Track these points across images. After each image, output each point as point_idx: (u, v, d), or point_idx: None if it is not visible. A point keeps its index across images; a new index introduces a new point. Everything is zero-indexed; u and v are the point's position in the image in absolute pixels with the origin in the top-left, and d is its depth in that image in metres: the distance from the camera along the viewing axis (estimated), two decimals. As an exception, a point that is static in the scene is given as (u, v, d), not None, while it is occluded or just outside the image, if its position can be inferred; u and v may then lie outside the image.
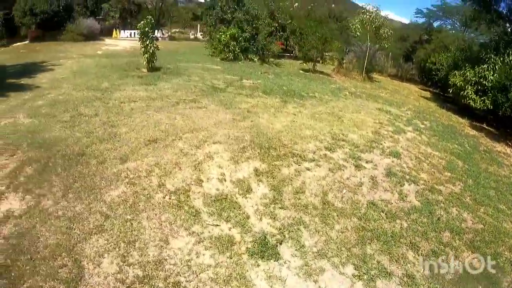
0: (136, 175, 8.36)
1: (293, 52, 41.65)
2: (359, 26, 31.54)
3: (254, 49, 31.01)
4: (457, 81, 23.28)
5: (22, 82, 17.07)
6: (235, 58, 28.87)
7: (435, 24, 47.02)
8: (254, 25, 31.85)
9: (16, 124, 10.93)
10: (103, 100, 13.32)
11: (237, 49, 29.13)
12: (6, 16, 40.44)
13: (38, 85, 16.17)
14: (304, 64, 30.30)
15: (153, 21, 20.00)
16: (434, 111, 22.32)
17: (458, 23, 46.83)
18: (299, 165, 9.98)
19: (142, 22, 19.70)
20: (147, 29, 19.39)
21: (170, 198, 7.82)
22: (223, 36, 29.47)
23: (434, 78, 35.12)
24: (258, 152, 10.10)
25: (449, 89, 25.42)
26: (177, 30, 65.07)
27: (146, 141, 9.85)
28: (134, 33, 48.14)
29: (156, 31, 48.07)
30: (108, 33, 50.06)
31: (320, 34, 29.67)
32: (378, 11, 31.24)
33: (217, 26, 37.10)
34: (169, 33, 54.48)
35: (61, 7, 41.36)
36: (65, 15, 42.19)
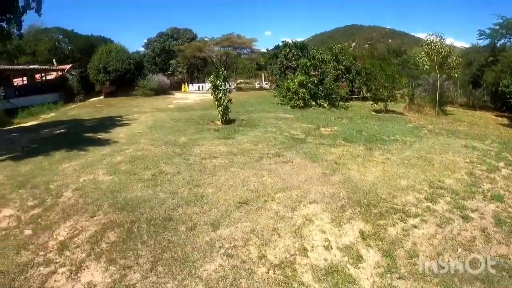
0: (232, 245, 7.19)
1: (360, 93, 40.21)
2: (426, 59, 29.79)
3: (322, 94, 29.95)
4: None
5: (99, 136, 16.95)
6: (305, 105, 27.91)
7: (499, 43, 42.96)
8: (321, 69, 30.85)
9: (95, 181, 10.32)
10: (183, 156, 12.63)
11: (306, 95, 28.19)
12: (82, 74, 42.19)
13: (115, 139, 15.92)
14: (375, 104, 28.89)
15: (224, 73, 19.50)
16: None
17: None
18: (405, 223, 8.50)
19: (212, 75, 19.32)
20: (218, 82, 18.92)
21: (275, 273, 6.52)
22: (291, 83, 28.71)
23: (509, 102, 32.17)
24: (359, 211, 8.75)
25: None
26: (242, 80, 65.83)
27: (237, 203, 8.76)
28: (202, 86, 49.19)
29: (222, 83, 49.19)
30: (177, 87, 51.16)
31: (389, 71, 28.31)
32: (442, 40, 29.45)
33: (283, 74, 36.62)
34: (235, 84, 54.89)
35: (132, 65, 42.81)
36: (136, 72, 43.91)
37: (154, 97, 40.81)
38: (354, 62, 37.42)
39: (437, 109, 28.99)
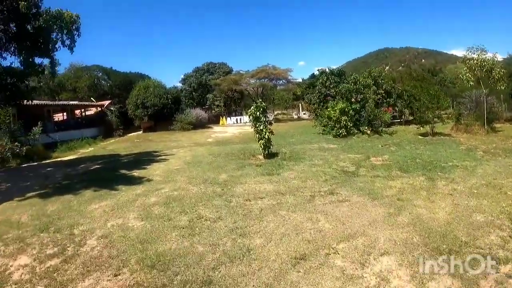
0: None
1: (402, 117, 37.97)
2: (469, 75, 27.35)
3: (365, 120, 28.01)
4: None
5: (134, 173, 15.79)
6: (348, 133, 26.08)
7: None
8: (362, 94, 28.96)
9: (125, 227, 8.83)
10: (224, 197, 10.93)
11: (348, 123, 26.34)
12: (121, 109, 41.88)
13: (151, 177, 14.60)
14: (421, 128, 26.43)
15: (263, 104, 17.92)
16: None
17: None
18: (497, 272, 6.50)
19: (252, 106, 17.85)
20: (258, 113, 17.44)
21: None
22: (332, 112, 26.96)
23: None
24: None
25: None
26: (279, 112, 64.57)
27: (292, 259, 6.80)
28: (240, 119, 48.20)
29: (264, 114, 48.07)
30: (215, 121, 50.58)
31: (432, 92, 26.25)
32: (484, 53, 27.11)
33: (321, 102, 34.98)
34: (273, 115, 53.57)
35: (169, 100, 42.40)
36: (174, 107, 43.47)
37: (192, 131, 40.00)
38: (393, 85, 35.28)
39: (486, 127, 26.82)
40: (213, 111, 55.96)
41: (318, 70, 43.45)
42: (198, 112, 45.39)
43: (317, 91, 35.99)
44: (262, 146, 17.05)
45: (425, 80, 33.46)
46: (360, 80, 29.75)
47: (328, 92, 34.24)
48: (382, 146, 21.23)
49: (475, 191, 10.95)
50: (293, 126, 40.13)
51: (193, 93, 59.33)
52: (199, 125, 43.42)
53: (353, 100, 28.33)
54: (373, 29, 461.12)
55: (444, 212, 9.27)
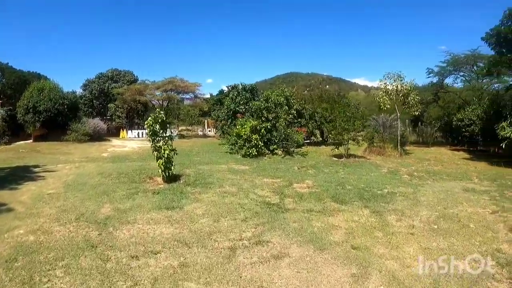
0: None
1: (312, 138, 36.31)
2: (386, 98, 26.58)
3: (276, 140, 25.16)
4: (508, 132, 20.89)
5: None
6: (258, 153, 23.09)
7: (448, 80, 42.86)
8: (275, 113, 26.21)
9: None
10: (99, 252, 7.10)
11: (259, 142, 23.38)
12: (10, 112, 35.24)
13: (11, 205, 10.51)
14: (335, 149, 24.49)
15: (162, 115, 14.07)
16: (501, 174, 18.51)
17: (469, 74, 42.43)
18: None
19: (150, 117, 13.94)
20: (157, 126, 13.70)
21: None
22: (242, 130, 23.87)
23: (465, 136, 32.15)
24: None
25: (501, 144, 22.14)
26: (184, 128, 60.44)
27: None
28: (142, 132, 43.62)
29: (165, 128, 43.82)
30: (115, 133, 45.43)
31: (349, 113, 24.44)
32: (401, 78, 26.77)
33: (230, 119, 31.91)
34: (177, 131, 49.44)
35: (65, 106, 36.46)
36: (70, 114, 37.41)
37: (89, 143, 34.69)
38: (304, 105, 33.14)
39: (399, 149, 26.40)
40: (114, 123, 50.29)
41: (227, 86, 40.40)
42: (96, 123, 39.59)
43: (225, 107, 32.71)
44: (162, 167, 13.24)
45: (337, 103, 31.70)
46: (273, 98, 27.00)
47: (238, 108, 31.17)
48: (298, 168, 18.69)
49: (435, 226, 9.16)
50: (199, 143, 36.32)
51: (94, 101, 52.34)
52: (96, 137, 37.85)
53: (263, 118, 25.39)
54: (284, 53, 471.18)
55: (421, 264, 6.93)
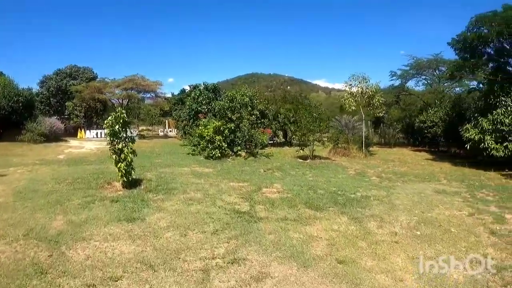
0: None
1: (274, 139, 35.60)
2: (351, 100, 26.96)
3: (239, 141, 24.28)
4: (473, 134, 21.39)
5: None
6: (222, 155, 22.05)
7: (410, 83, 44.11)
8: (239, 113, 25.30)
9: None
10: (49, 280, 5.78)
11: (223, 144, 22.39)
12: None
13: None
14: (300, 150, 23.98)
15: (124, 115, 12.81)
16: (467, 174, 19.06)
17: (431, 78, 44.02)
18: None
19: (110, 117, 12.55)
20: (117, 127, 12.28)
21: None
22: (205, 130, 22.81)
23: (427, 137, 33.06)
24: None
25: (466, 145, 22.67)
26: (144, 128, 58.53)
27: None
28: (101, 133, 41.65)
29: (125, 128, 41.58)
30: (73, 133, 43.10)
31: (316, 114, 23.89)
32: (367, 80, 27.15)
33: (191, 119, 30.75)
34: (137, 131, 47.57)
35: (20, 104, 33.93)
36: (25, 113, 34.89)
37: (45, 144, 32.48)
38: (268, 106, 32.35)
39: (364, 150, 26.56)
40: (72, 122, 47.63)
41: (189, 86, 38.92)
42: (52, 122, 36.87)
43: (187, 107, 31.44)
44: (122, 171, 11.97)
45: (300, 104, 31.20)
46: (238, 98, 26.08)
47: (200, 108, 29.99)
48: (264, 171, 17.90)
49: (418, 232, 8.64)
50: (159, 144, 34.88)
51: (51, 99, 49.29)
52: (53, 137, 35.34)
53: (227, 119, 24.41)
54: (243, 54, 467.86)
55: (412, 276, 6.35)
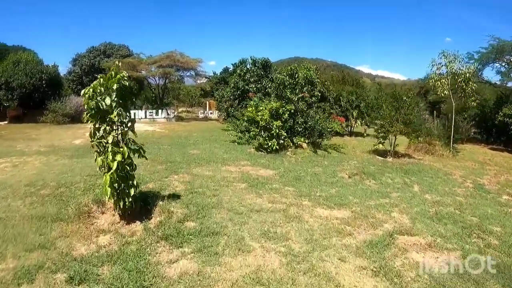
0: None
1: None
2: (445, 81, 19.89)
3: (299, 128, 17.35)
4: None
5: None
6: (280, 148, 15.29)
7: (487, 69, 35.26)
8: (302, 93, 18.30)
9: None
10: None
11: (282, 132, 15.62)
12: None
13: None
14: (380, 145, 16.88)
15: (124, 74, 5.99)
16: None
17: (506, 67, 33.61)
18: None
19: (94, 83, 5.79)
20: (109, 100, 5.70)
21: None
22: (259, 113, 16.09)
23: None
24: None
25: None
26: (184, 109, 52.08)
27: None
28: (134, 114, 35.16)
29: (160, 111, 34.58)
30: (109, 114, 36.72)
31: (402, 99, 16.70)
32: (461, 60, 20.04)
33: (238, 100, 24.03)
34: (176, 112, 41.08)
35: (43, 81, 28.31)
36: (48, 91, 29.17)
37: (68, 125, 26.97)
38: (329, 86, 25.03)
39: (451, 148, 19.57)
40: None
41: (233, 64, 31.65)
42: (80, 101, 31.01)
43: (232, 85, 24.66)
44: (110, 189, 5.55)
45: (361, 87, 24.07)
46: (302, 74, 19.02)
47: (248, 87, 23.21)
48: (350, 177, 11.42)
49: None
50: (198, 127, 28.13)
51: (83, 78, 42.95)
52: (79, 118, 29.55)
53: (286, 99, 17.38)
54: (287, 37, 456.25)
55: None
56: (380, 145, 16.89)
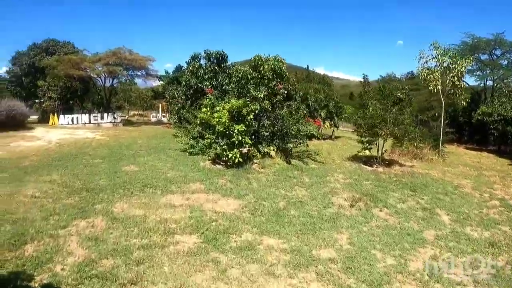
0: None
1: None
2: (436, 74, 17.12)
3: (267, 133, 13.43)
4: None
5: None
6: (244, 159, 11.22)
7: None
8: (270, 90, 14.14)
9: None
10: None
11: (247, 139, 11.51)
12: None
13: None
14: (366, 151, 13.35)
15: None
16: None
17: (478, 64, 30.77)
18: None
19: None
20: None
21: None
22: (216, 115, 11.88)
23: (493, 134, 23.59)
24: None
25: None
26: (135, 112, 46.54)
27: None
28: (77, 118, 29.65)
29: (106, 115, 29.22)
30: (48, 119, 31.01)
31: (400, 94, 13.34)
32: (453, 55, 17.69)
33: (190, 100, 19.59)
34: (126, 116, 35.76)
35: None
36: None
37: (-1, 133, 21.47)
38: (295, 84, 20.89)
39: (439, 151, 17.13)
40: (46, 106, 35.05)
41: (186, 62, 26.73)
42: (12, 105, 24.90)
43: (183, 84, 20.14)
44: None
45: (329, 85, 20.43)
46: (267, 66, 14.62)
47: (201, 85, 18.79)
48: (351, 205, 7.80)
49: None
50: (147, 133, 23.07)
51: (23, 79, 36.61)
52: (12, 124, 23.54)
53: (248, 96, 13.24)
54: (241, 39, 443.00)
55: None
56: (367, 151, 13.23)
